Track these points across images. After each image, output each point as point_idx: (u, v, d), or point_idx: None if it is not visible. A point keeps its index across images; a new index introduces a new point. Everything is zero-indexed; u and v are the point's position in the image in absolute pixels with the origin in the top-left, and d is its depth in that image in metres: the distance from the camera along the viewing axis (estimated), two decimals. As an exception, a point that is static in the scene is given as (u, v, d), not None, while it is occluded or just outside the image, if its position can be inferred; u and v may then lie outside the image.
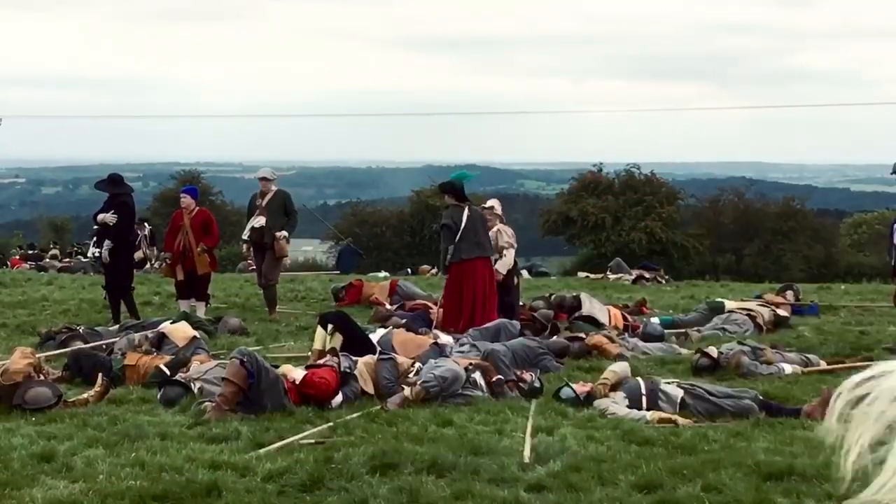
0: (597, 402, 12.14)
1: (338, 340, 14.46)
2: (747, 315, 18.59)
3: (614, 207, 59.51)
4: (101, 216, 19.82)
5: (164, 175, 75.35)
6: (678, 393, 11.99)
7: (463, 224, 17.93)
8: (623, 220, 59.18)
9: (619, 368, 12.97)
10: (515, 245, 19.02)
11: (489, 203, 19.38)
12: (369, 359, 13.31)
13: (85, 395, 12.45)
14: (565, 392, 12.52)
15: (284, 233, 20.77)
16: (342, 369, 12.65)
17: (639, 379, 12.52)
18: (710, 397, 11.93)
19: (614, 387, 12.43)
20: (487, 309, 17.74)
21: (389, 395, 12.55)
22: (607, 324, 18.45)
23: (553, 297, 20.90)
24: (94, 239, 25.37)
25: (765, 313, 18.87)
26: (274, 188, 21.25)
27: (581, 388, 12.51)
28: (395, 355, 13.69)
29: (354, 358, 13.25)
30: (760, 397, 12.10)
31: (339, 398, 12.26)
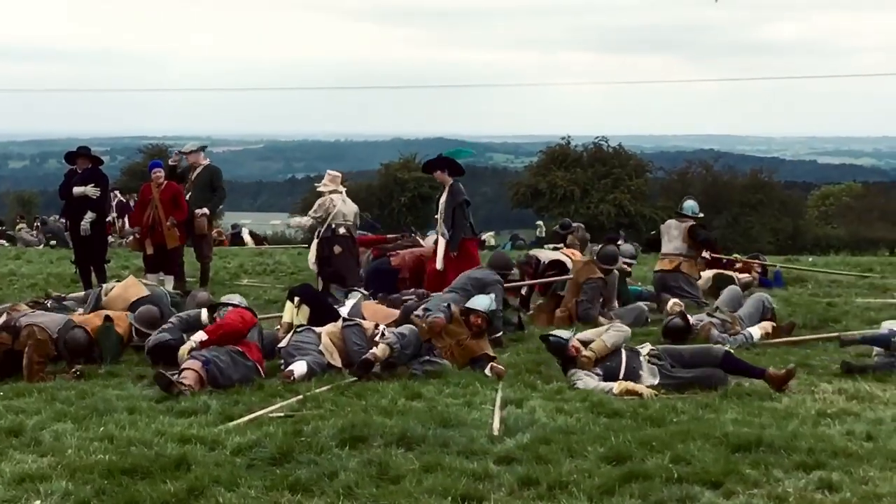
0: (570, 373, 12.13)
1: (305, 313, 14.44)
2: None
3: (583, 180, 59.65)
4: (78, 189, 19.63)
5: (132, 149, 75.02)
6: (654, 381, 11.93)
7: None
8: (592, 192, 59.32)
9: (613, 340, 12.41)
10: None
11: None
12: (332, 327, 13.31)
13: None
14: (555, 339, 12.50)
15: (204, 210, 20.68)
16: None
17: (622, 353, 12.36)
18: (681, 374, 11.93)
19: (598, 360, 12.30)
20: None
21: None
22: (571, 266, 18.28)
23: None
24: (63, 214, 24.69)
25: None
26: (204, 163, 21.20)
27: (573, 346, 12.32)
28: (360, 320, 13.70)
29: (318, 330, 13.25)
30: (730, 351, 12.21)
31: (301, 368, 12.25)
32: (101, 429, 9.84)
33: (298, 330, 13.35)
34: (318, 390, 11.47)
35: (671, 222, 19.13)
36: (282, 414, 10.47)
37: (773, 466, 8.66)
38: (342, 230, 18.54)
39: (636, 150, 72.41)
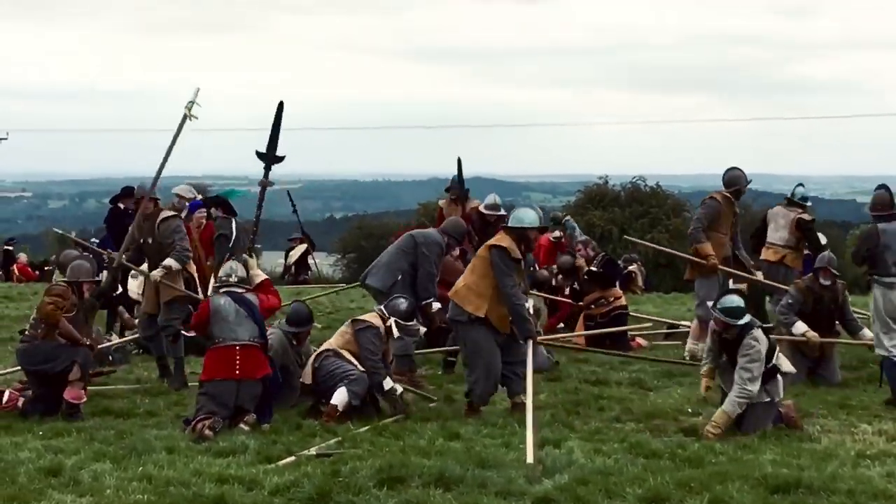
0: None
1: None
2: None
3: (620, 219, 59.53)
4: None
5: (171, 189, 75.29)
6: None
7: (234, 235, 18.89)
8: (629, 232, 59.22)
9: (735, 410, 11.55)
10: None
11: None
12: (342, 336, 13.03)
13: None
14: None
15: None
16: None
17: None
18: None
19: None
20: None
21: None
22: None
23: None
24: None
25: None
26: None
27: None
28: (369, 320, 13.22)
29: (330, 348, 12.86)
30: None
31: (343, 396, 12.14)
32: (140, 469, 9.87)
33: (316, 364, 12.67)
34: (356, 431, 11.48)
35: (778, 209, 18.21)
36: (316, 452, 10.49)
37: (811, 508, 8.63)
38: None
39: (674, 189, 72.19)
